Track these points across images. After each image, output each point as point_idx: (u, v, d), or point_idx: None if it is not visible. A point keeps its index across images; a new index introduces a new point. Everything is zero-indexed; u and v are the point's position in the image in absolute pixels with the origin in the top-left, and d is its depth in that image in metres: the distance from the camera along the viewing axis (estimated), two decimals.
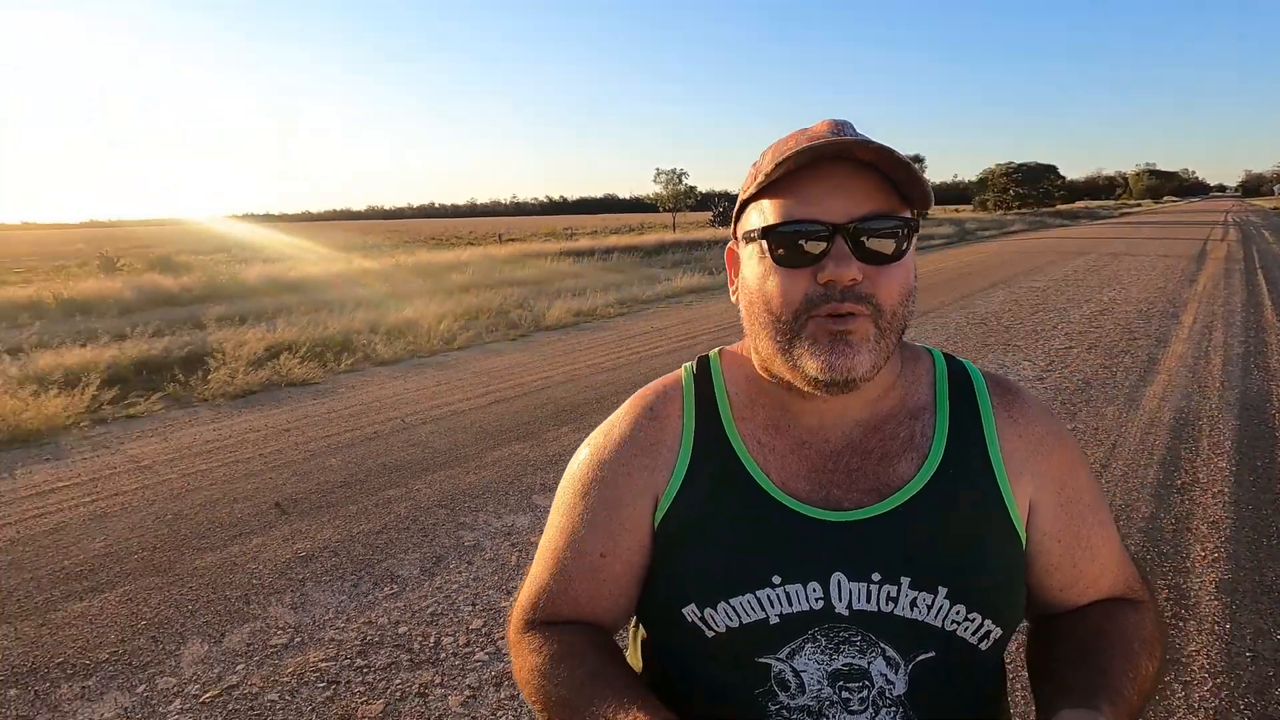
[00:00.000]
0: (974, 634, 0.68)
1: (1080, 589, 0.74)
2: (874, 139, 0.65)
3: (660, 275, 13.35)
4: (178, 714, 2.07)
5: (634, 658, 0.85)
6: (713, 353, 0.82)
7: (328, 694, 2.14)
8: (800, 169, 0.65)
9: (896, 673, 0.67)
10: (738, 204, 0.73)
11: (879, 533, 0.68)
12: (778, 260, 0.65)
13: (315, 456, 4.28)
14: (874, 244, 0.64)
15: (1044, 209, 57.87)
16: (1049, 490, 0.73)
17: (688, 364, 0.81)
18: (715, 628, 0.68)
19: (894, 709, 0.67)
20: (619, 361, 6.73)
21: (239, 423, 5.16)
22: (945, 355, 0.80)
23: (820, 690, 0.67)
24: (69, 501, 3.73)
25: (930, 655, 0.67)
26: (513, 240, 30.31)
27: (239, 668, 2.28)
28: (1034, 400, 0.78)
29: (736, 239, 0.74)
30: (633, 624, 0.86)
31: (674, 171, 44.65)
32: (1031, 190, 64.25)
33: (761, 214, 0.68)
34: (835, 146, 0.63)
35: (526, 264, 16.17)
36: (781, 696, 0.68)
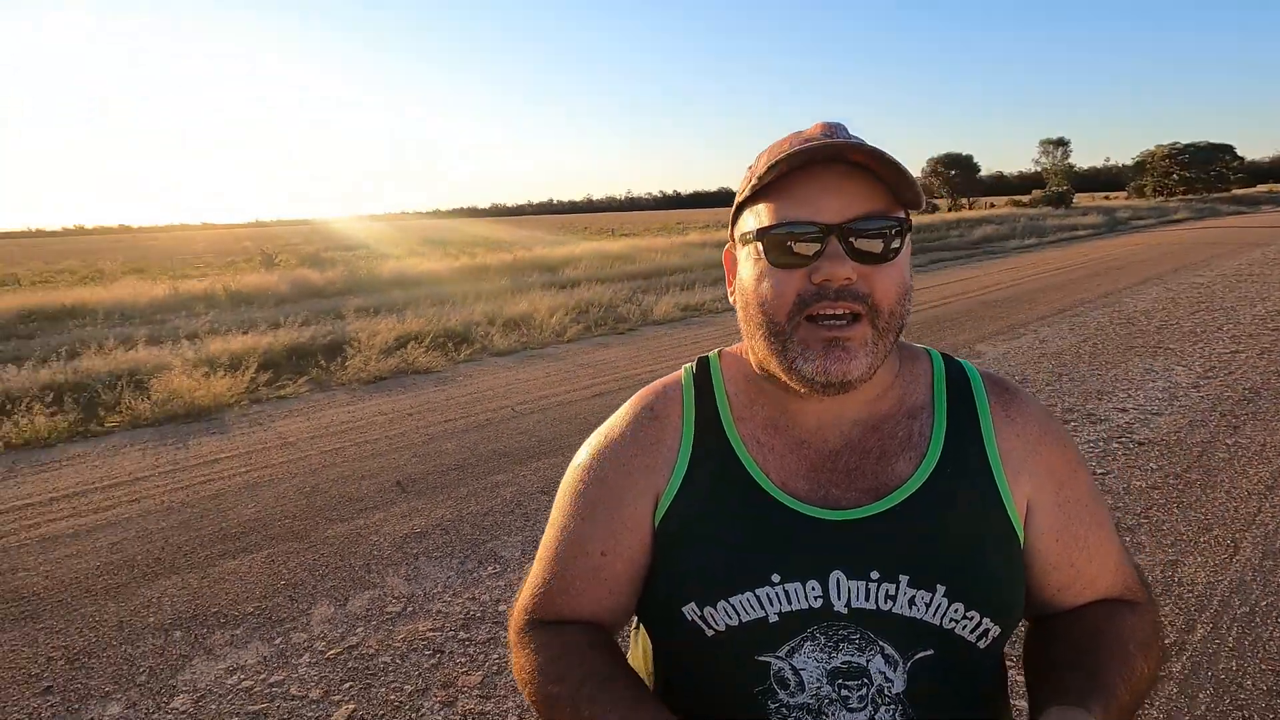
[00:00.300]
0: (972, 632, 0.68)
1: (1078, 589, 0.74)
2: (866, 141, 0.66)
3: None
4: (307, 666, 2.32)
5: (636, 659, 0.85)
6: (712, 354, 0.82)
7: (433, 661, 2.31)
8: (793, 172, 0.66)
9: (895, 670, 0.67)
10: (734, 207, 0.74)
11: (877, 531, 0.68)
12: (772, 261, 0.66)
13: (433, 440, 4.60)
14: (867, 244, 0.64)
15: (1215, 194, 51.22)
16: (1047, 490, 0.73)
17: (687, 365, 0.82)
18: (715, 626, 0.69)
19: (893, 706, 0.67)
20: None
21: (369, 406, 5.62)
22: (943, 355, 0.80)
23: (819, 688, 0.67)
24: (229, 471, 4.24)
25: (929, 653, 0.67)
26: (625, 235, 30.79)
27: (359, 630, 2.51)
28: (1032, 400, 0.78)
29: (733, 241, 0.75)
30: (634, 625, 0.87)
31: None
32: (1201, 174, 57.06)
33: (756, 216, 0.69)
34: (827, 149, 0.63)
35: (637, 258, 16.39)
36: (781, 694, 0.68)
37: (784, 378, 0.68)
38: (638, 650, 0.86)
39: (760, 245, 0.67)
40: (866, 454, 0.72)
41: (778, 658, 0.68)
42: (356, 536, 3.24)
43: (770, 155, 0.68)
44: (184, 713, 2.13)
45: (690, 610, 0.69)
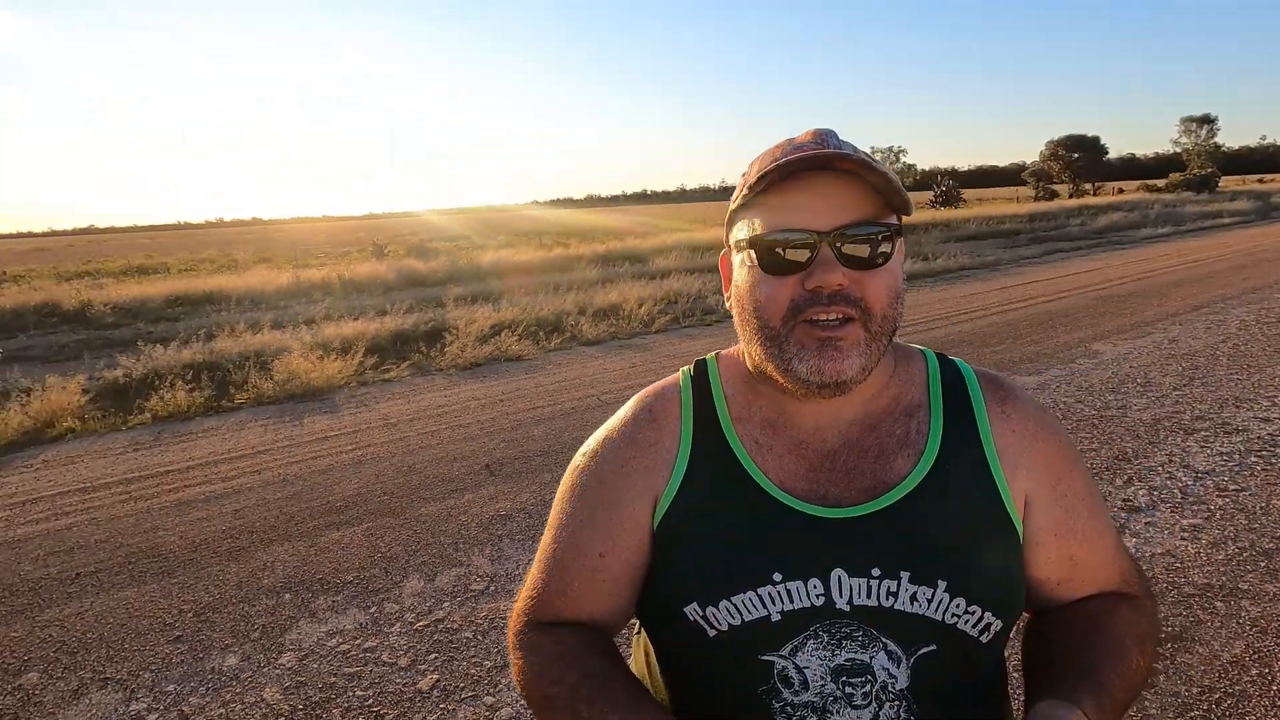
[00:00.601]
0: (974, 626, 0.69)
1: (1076, 583, 0.75)
2: (856, 149, 0.68)
3: None
4: (398, 635, 2.47)
5: (638, 666, 0.85)
6: (710, 356, 0.83)
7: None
8: (785, 180, 0.67)
9: (899, 667, 0.68)
10: (728, 214, 0.75)
11: (878, 528, 0.69)
12: (765, 268, 0.68)
13: (522, 426, 4.76)
14: (858, 250, 0.66)
15: None
16: (1044, 484, 0.74)
17: (685, 368, 0.83)
18: (717, 626, 0.69)
19: (897, 703, 0.67)
20: None
21: (464, 391, 5.89)
22: (938, 354, 0.81)
23: (823, 686, 0.67)
24: (337, 448, 4.56)
25: (931, 649, 0.68)
26: (717, 225, 30.50)
27: (445, 605, 2.64)
28: (1026, 396, 0.78)
29: (729, 247, 0.76)
30: (635, 631, 0.86)
31: (890, 149, 41.50)
32: None
33: (750, 224, 0.70)
34: (816, 159, 0.65)
35: None
36: (785, 693, 0.68)
37: (781, 379, 0.69)
38: (639, 654, 0.86)
39: (754, 252, 0.69)
40: (865, 453, 0.73)
41: (781, 656, 0.68)
42: (447, 516, 3.41)
43: (762, 164, 0.70)
44: (289, 669, 2.32)
45: (692, 610, 0.70)
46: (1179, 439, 3.79)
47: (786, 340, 0.67)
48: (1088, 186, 54.65)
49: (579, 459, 0.79)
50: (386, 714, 2.09)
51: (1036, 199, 42.23)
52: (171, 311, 11.52)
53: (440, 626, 2.51)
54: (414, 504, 3.57)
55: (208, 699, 2.20)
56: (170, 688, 2.27)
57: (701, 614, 0.69)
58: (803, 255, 0.66)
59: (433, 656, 2.34)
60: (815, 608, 0.68)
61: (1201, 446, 3.68)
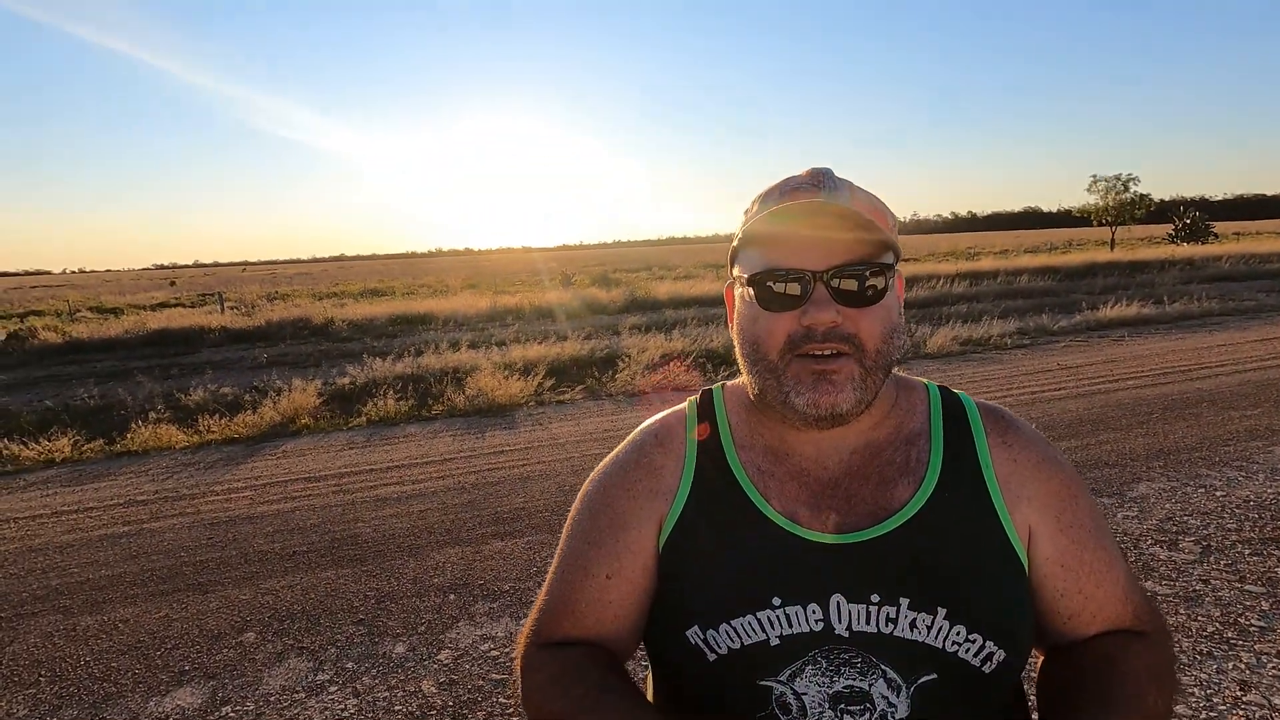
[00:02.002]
0: (976, 656, 0.68)
1: (1087, 617, 0.73)
2: (852, 189, 0.72)
3: (1081, 302, 11.17)
4: (519, 690, 2.57)
5: (649, 696, 0.84)
6: (716, 386, 0.86)
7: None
8: (784, 222, 0.70)
9: (898, 695, 0.67)
10: (730, 249, 0.78)
11: (877, 554, 0.70)
12: (763, 304, 0.71)
13: None
14: (851, 287, 0.68)
15: None
16: (1048, 515, 0.73)
17: (691, 397, 0.86)
18: (717, 649, 0.70)
19: None
20: (1009, 400, 5.88)
21: (630, 417, 6.06)
22: (940, 387, 0.82)
23: (821, 713, 0.67)
24: (510, 462, 4.91)
25: (932, 677, 0.67)
26: (906, 259, 28.83)
27: None
28: (1029, 428, 0.79)
29: (733, 279, 0.78)
30: (648, 672, 0.86)
31: (1118, 177, 36.46)
32: None
33: (749, 261, 0.73)
34: (811, 206, 0.69)
35: (914, 285, 15.23)
36: (783, 719, 0.68)
37: (779, 411, 0.72)
38: (649, 689, 0.85)
39: (752, 289, 0.72)
40: (865, 480, 0.74)
41: (779, 682, 0.68)
42: None
43: (761, 203, 0.74)
44: (445, 665, 2.51)
45: (694, 634, 0.71)
46: None
47: (784, 374, 0.70)
48: None
49: (587, 484, 0.82)
50: None
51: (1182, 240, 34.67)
52: (392, 329, 13.23)
53: None
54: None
55: (376, 681, 2.44)
56: (349, 665, 2.55)
57: (703, 637, 0.71)
58: (797, 292, 0.69)
59: None
60: (814, 633, 0.68)
61: (1073, 464, 2.75)
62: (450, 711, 2.26)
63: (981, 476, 0.73)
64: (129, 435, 6.06)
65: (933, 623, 0.67)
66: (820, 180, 0.72)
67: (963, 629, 0.67)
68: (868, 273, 0.68)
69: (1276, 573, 2.80)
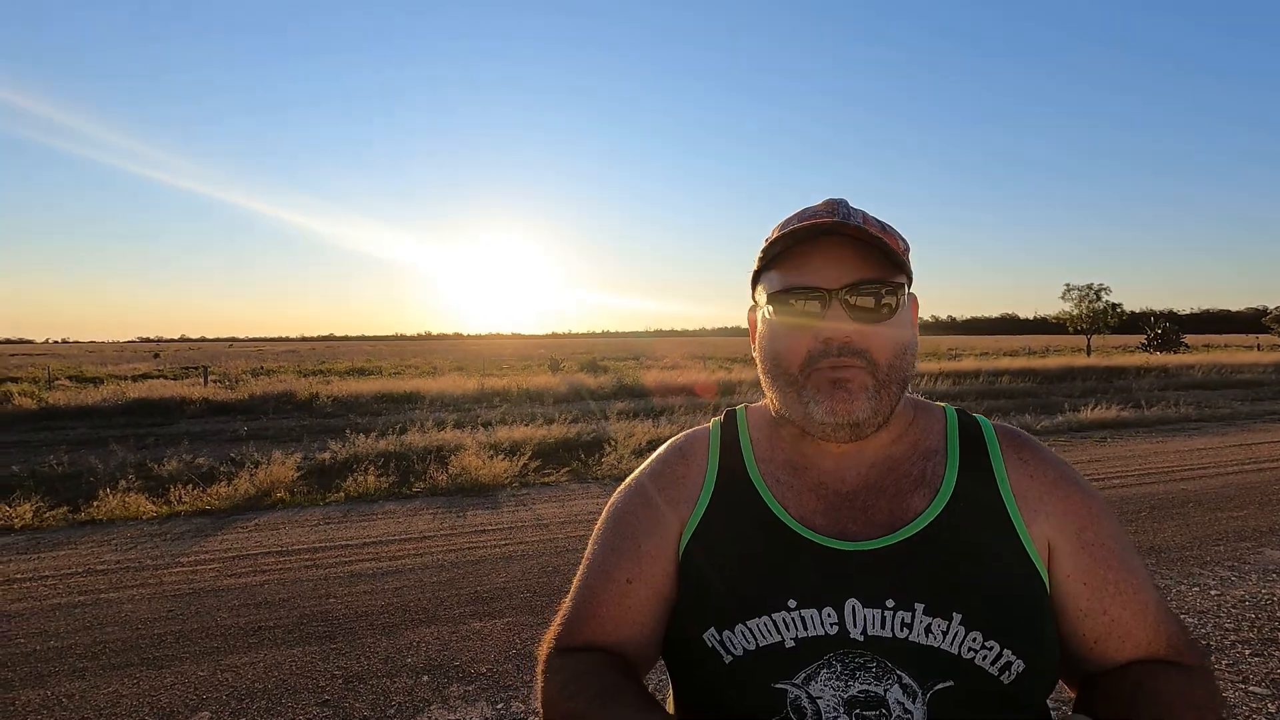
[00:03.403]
0: (994, 664, 0.67)
1: (1116, 640, 0.72)
2: (865, 216, 0.76)
3: (1063, 404, 11.35)
4: (539, 694, 2.41)
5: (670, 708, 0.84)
6: (739, 407, 0.90)
7: None
8: (800, 244, 0.75)
9: (914, 702, 0.66)
10: (751, 275, 0.82)
11: (893, 560, 0.71)
12: (783, 322, 0.75)
13: None
14: (865, 304, 0.73)
15: None
16: (1068, 532, 0.74)
17: (716, 418, 0.89)
18: (733, 650, 0.71)
19: None
20: None
21: None
22: (957, 410, 0.85)
23: (837, 718, 0.67)
24: (491, 541, 4.76)
25: (948, 684, 0.67)
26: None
27: None
28: (1047, 450, 0.80)
29: (755, 304, 0.83)
30: (668, 685, 0.86)
31: (1090, 287, 38.02)
32: None
33: (769, 283, 0.78)
34: (822, 227, 0.73)
35: None
36: None
37: (800, 423, 0.75)
38: (670, 701, 0.83)
39: (772, 308, 0.76)
40: (882, 493, 0.76)
41: (794, 685, 0.68)
42: None
43: (780, 230, 0.78)
44: None
45: (710, 636, 0.72)
46: None
47: (804, 386, 0.73)
48: None
49: (614, 496, 0.86)
50: None
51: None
52: (377, 406, 13.10)
53: None
54: (554, 604, 3.56)
55: None
56: None
57: (719, 639, 0.72)
58: (815, 309, 0.73)
59: None
60: (829, 636, 0.69)
61: (1096, 487, 2.70)
62: None
63: (997, 489, 0.75)
64: (95, 503, 5.83)
65: (948, 628, 0.67)
66: (835, 208, 0.76)
67: (979, 635, 0.67)
68: (881, 290, 0.73)
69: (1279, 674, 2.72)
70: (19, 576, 4.21)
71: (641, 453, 7.66)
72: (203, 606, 3.64)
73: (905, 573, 0.70)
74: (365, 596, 3.75)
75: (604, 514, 0.85)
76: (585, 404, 12.73)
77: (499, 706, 2.61)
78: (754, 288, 0.82)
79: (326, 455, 7.61)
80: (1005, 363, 20.77)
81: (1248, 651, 2.93)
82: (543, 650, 0.80)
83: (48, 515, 5.62)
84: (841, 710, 0.67)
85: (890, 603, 0.69)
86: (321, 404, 13.11)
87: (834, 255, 0.73)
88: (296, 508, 5.91)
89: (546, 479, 6.85)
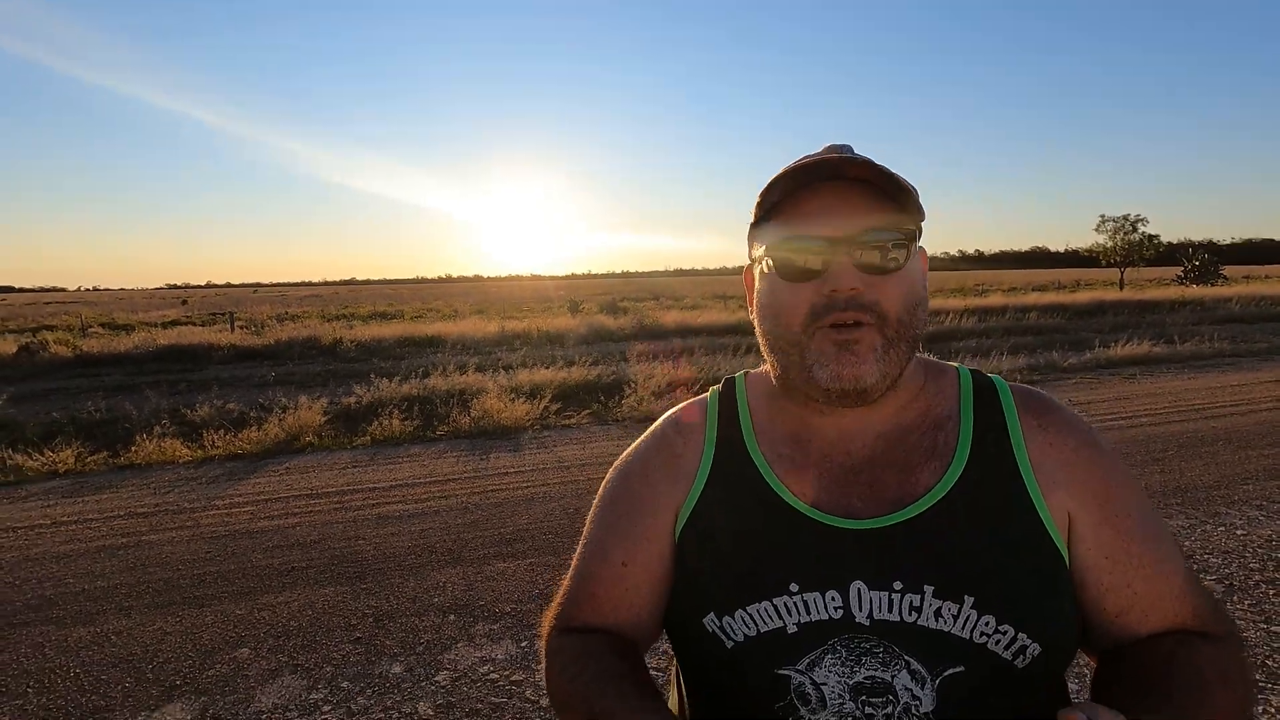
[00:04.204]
0: (1007, 649, 0.64)
1: (1139, 614, 0.68)
2: (870, 160, 0.68)
3: (1092, 340, 11.10)
4: (542, 674, 2.49)
5: (673, 694, 0.84)
6: (739, 375, 0.84)
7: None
8: (800, 192, 0.69)
9: (923, 688, 0.63)
10: (749, 230, 0.76)
11: (900, 540, 0.67)
12: (784, 275, 0.69)
13: None
14: (872, 255, 0.67)
15: None
16: (1089, 504, 0.69)
17: (715, 386, 0.84)
18: (734, 636, 0.68)
19: None
20: None
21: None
22: (972, 370, 0.78)
23: (842, 704, 0.64)
24: (514, 484, 4.85)
25: (959, 670, 0.63)
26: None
27: None
28: (1069, 413, 0.74)
29: (751, 262, 0.77)
30: (673, 664, 0.86)
31: (1126, 218, 36.61)
32: None
33: (768, 235, 0.71)
34: (824, 167, 0.67)
35: None
36: (802, 711, 0.65)
37: (803, 389, 0.70)
38: (674, 686, 0.83)
39: (771, 260, 0.70)
40: (890, 466, 0.71)
41: (797, 671, 0.66)
42: None
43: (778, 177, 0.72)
44: (443, 687, 2.43)
45: (710, 621, 0.70)
46: None
47: (808, 347, 0.68)
48: None
49: (610, 472, 0.82)
50: None
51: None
52: (400, 351, 13.24)
53: None
54: (575, 546, 3.64)
55: (372, 701, 2.37)
56: (344, 684, 2.48)
57: (719, 624, 0.69)
58: (819, 262, 0.67)
59: None
60: (833, 620, 0.66)
61: (1121, 454, 2.64)
62: None
63: (1014, 461, 0.69)
64: (133, 448, 6.03)
65: (959, 612, 0.64)
66: (838, 152, 0.70)
67: (992, 619, 0.63)
68: (890, 242, 0.67)
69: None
70: (65, 519, 4.40)
71: (661, 395, 7.69)
72: (239, 548, 3.79)
73: (914, 553, 0.66)
74: (392, 538, 3.86)
75: (601, 491, 0.82)
76: (605, 346, 12.75)
77: (523, 644, 2.70)
78: (751, 243, 0.76)
79: (352, 399, 7.75)
80: (1034, 298, 20.29)
81: (1271, 591, 2.92)
82: (545, 627, 0.80)
83: (89, 460, 5.84)
84: (847, 697, 0.64)
85: (898, 585, 0.65)
86: (345, 348, 13.29)
87: (838, 202, 0.67)
88: (325, 451, 6.06)
89: (567, 421, 6.92)
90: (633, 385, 7.97)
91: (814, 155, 0.71)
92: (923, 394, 0.75)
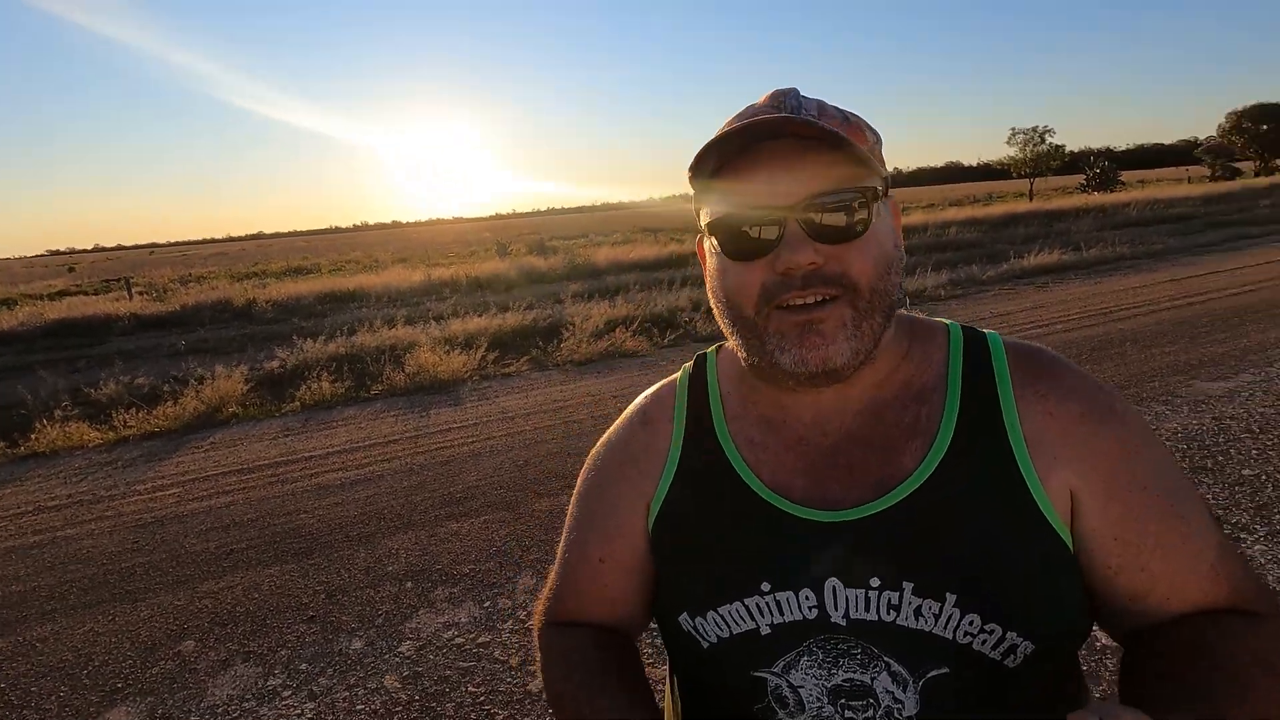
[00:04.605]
0: (995, 648, 0.58)
1: (1159, 597, 0.60)
2: (814, 110, 0.61)
3: (1008, 252, 11.59)
4: (509, 633, 2.48)
5: (668, 684, 0.81)
6: (710, 350, 0.78)
7: None
8: (738, 157, 0.60)
9: (905, 690, 0.59)
10: (694, 198, 0.67)
11: (877, 533, 0.61)
12: (730, 254, 0.62)
13: None
14: (832, 222, 0.59)
15: None
16: (1095, 480, 0.60)
17: (686, 364, 0.78)
18: (707, 638, 0.65)
19: None
20: None
21: (579, 387, 5.95)
22: (964, 327, 0.70)
23: (821, 708, 0.61)
24: (458, 440, 4.73)
25: (943, 671, 0.59)
26: None
27: None
28: (1073, 372, 0.65)
29: (700, 234, 0.69)
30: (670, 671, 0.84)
31: (1035, 130, 37.95)
32: None
33: (711, 205, 0.63)
34: (768, 126, 0.57)
35: None
36: (780, 713, 0.62)
37: (769, 372, 0.63)
38: (669, 686, 0.80)
39: (715, 238, 0.63)
40: (870, 446, 0.64)
41: (773, 673, 0.63)
42: (560, 512, 3.39)
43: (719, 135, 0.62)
44: (408, 658, 2.38)
45: (684, 620, 0.67)
46: None
47: (765, 331, 0.61)
48: (1278, 163, 47.50)
49: (587, 462, 0.78)
50: (498, 714, 2.08)
51: (1214, 179, 37.35)
52: (321, 308, 12.58)
53: None
54: (529, 499, 3.61)
55: (334, 681, 2.30)
56: (303, 666, 2.39)
57: (692, 624, 0.66)
58: (771, 234, 0.59)
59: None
60: (808, 621, 0.62)
61: (1138, 412, 3.00)
62: (417, 705, 2.15)
63: (1004, 435, 0.61)
64: (33, 436, 5.56)
65: (940, 610, 0.58)
66: (781, 101, 0.61)
67: (976, 618, 0.58)
68: (852, 202, 0.58)
69: (1208, 499, 2.95)
70: None
71: (601, 336, 7.60)
72: (168, 535, 3.57)
73: (892, 546, 0.60)
74: (337, 508, 3.71)
75: (578, 481, 0.77)
76: (538, 288, 12.47)
77: (486, 605, 2.66)
78: (697, 214, 0.67)
79: (275, 364, 7.35)
80: (951, 213, 20.95)
81: None
82: (536, 619, 0.78)
83: None
84: (825, 700, 0.61)
85: (875, 582, 0.60)
86: (261, 310, 12.52)
87: (786, 163, 0.59)
88: (251, 421, 5.75)
89: (507, 370, 6.78)
90: (570, 327, 7.84)
91: (755, 108, 0.62)
92: (906, 362, 0.67)
